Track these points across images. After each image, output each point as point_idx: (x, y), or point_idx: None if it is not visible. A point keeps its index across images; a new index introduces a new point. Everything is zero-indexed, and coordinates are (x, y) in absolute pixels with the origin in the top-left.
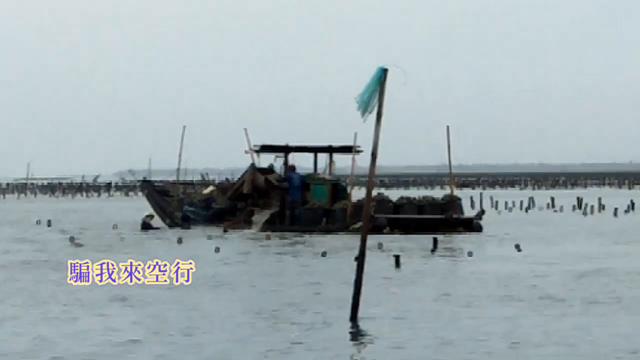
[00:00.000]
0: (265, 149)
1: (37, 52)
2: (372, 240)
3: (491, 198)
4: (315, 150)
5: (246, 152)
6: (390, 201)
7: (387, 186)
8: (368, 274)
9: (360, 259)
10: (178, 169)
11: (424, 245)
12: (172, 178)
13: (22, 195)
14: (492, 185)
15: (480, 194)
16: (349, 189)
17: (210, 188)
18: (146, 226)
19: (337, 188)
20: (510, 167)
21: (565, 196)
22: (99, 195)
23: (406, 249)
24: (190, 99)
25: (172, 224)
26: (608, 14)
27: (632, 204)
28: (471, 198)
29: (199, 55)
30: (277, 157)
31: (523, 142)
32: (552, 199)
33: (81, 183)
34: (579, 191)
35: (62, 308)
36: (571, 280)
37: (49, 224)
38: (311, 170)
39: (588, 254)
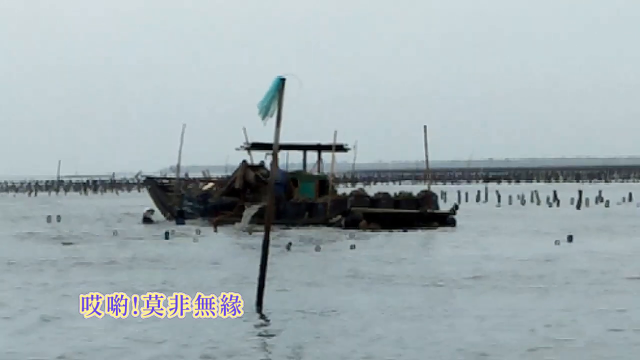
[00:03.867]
0: (256, 146)
1: (85, 50)
2: (345, 233)
3: (497, 192)
4: (304, 148)
5: (237, 149)
6: (367, 196)
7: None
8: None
9: (264, 247)
10: (178, 166)
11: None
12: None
13: (54, 192)
14: (522, 178)
15: (486, 187)
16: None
17: (210, 184)
18: (147, 220)
19: (324, 184)
20: (558, 160)
21: (589, 190)
22: (130, 191)
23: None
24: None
25: (171, 218)
26: None
27: (630, 195)
28: (478, 192)
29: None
30: (267, 154)
31: (568, 136)
32: (555, 193)
33: (113, 180)
34: (602, 185)
35: None
36: (497, 268)
37: (59, 219)
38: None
39: (542, 248)
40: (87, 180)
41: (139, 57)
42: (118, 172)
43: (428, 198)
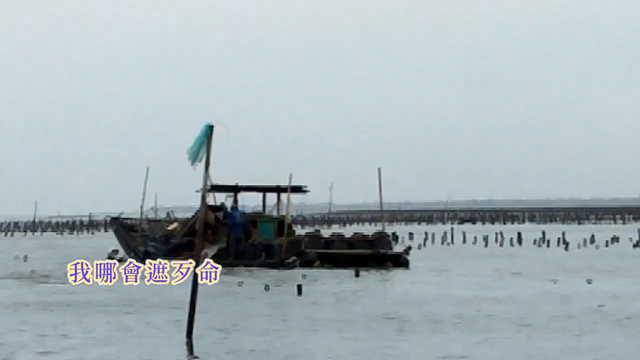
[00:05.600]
0: (215, 188)
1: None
2: (297, 274)
3: (463, 233)
4: (263, 189)
5: (197, 191)
6: (322, 237)
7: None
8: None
9: (194, 284)
10: (141, 207)
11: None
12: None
13: (30, 233)
14: (497, 220)
15: (452, 228)
16: (293, 226)
17: (175, 224)
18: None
19: (283, 225)
20: (541, 202)
21: (556, 232)
22: (107, 231)
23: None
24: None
25: (135, 258)
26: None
27: (592, 237)
28: (444, 233)
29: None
30: (227, 196)
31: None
32: (519, 234)
33: (91, 220)
34: (578, 226)
35: None
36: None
37: (25, 259)
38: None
39: (483, 287)
40: (67, 221)
41: (124, 94)
42: (99, 212)
43: (381, 239)
